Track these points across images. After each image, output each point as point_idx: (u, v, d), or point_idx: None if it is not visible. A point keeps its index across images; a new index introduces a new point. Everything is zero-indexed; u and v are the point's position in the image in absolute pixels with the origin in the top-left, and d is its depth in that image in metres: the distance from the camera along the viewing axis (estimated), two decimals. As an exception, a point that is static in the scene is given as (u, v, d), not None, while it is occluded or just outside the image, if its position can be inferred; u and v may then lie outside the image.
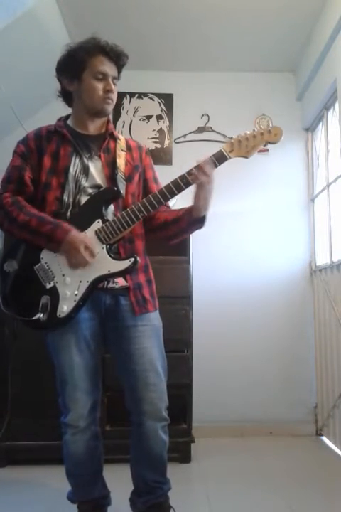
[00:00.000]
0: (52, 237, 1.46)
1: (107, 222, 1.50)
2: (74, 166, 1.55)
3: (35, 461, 2.41)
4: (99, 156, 1.59)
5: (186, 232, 1.66)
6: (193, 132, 3.34)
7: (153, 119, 3.38)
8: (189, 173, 1.50)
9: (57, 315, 1.47)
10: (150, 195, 1.52)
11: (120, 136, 1.70)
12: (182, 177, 1.50)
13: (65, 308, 1.47)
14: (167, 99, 3.38)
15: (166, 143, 3.36)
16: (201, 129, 3.35)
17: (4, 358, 2.47)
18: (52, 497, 2.05)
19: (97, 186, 1.56)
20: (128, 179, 1.61)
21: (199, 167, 1.48)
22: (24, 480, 2.27)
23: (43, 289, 1.49)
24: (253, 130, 1.52)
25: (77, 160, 1.56)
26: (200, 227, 1.59)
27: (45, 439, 2.38)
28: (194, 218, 1.56)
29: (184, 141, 3.34)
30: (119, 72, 1.63)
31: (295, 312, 3.20)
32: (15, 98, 2.73)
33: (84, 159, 1.57)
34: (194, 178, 1.48)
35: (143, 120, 3.38)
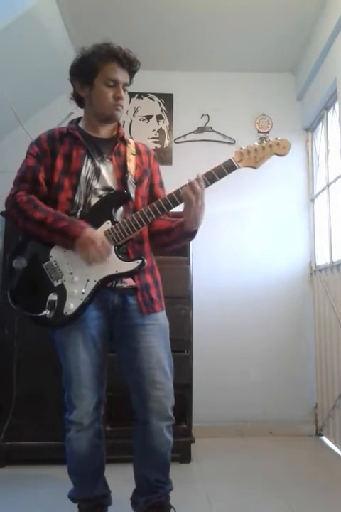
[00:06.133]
0: (68, 232, 1.47)
1: (117, 224, 1.52)
2: (86, 168, 1.57)
3: (35, 461, 2.41)
4: (111, 159, 1.62)
5: (177, 243, 1.68)
6: (193, 132, 3.35)
7: (153, 119, 3.38)
8: (178, 191, 1.51)
9: (64, 313, 1.49)
10: (159, 199, 1.54)
11: (130, 140, 1.72)
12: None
13: (71, 306, 1.49)
14: (167, 99, 3.38)
15: (166, 143, 3.36)
16: (201, 129, 3.35)
17: (5, 359, 2.47)
18: (52, 497, 2.05)
19: (108, 188, 1.59)
20: (138, 182, 1.64)
21: (190, 184, 1.48)
22: (24, 480, 2.27)
23: (51, 286, 1.51)
24: (263, 142, 1.55)
25: (89, 162, 1.59)
26: (191, 239, 1.64)
27: (45, 439, 2.38)
28: (184, 232, 1.58)
29: (184, 141, 3.34)
30: (131, 78, 1.64)
31: (295, 312, 3.20)
32: (15, 98, 2.72)
33: (96, 162, 1.59)
34: (183, 195, 1.50)
35: (143, 120, 3.38)
